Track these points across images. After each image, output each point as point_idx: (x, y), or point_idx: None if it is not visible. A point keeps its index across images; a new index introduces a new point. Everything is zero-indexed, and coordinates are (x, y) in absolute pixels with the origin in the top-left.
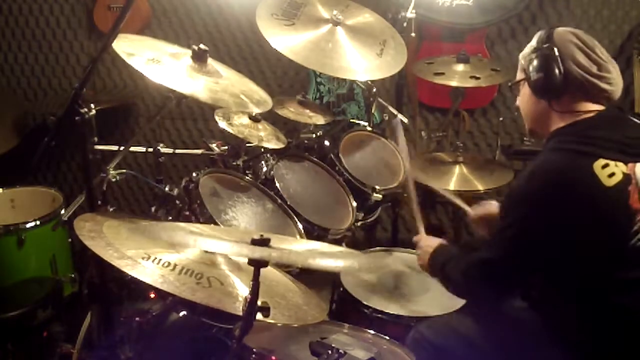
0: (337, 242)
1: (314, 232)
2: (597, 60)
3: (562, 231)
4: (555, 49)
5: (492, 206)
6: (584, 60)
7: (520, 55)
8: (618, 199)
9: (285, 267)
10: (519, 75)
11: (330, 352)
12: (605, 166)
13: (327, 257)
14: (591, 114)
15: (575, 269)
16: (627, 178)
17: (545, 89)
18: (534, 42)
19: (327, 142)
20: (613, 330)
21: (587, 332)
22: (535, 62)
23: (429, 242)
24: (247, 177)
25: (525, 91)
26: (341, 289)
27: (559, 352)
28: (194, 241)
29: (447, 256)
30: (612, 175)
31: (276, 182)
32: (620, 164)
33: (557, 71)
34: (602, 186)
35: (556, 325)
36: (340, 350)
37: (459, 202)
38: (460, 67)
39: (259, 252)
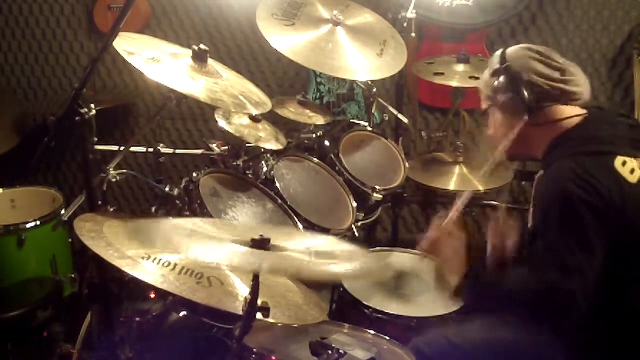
0: None
1: (314, 232)
2: (557, 66)
3: (600, 233)
4: (513, 66)
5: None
6: (544, 69)
7: (481, 84)
8: None
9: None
10: (484, 105)
11: (330, 352)
12: (624, 163)
13: (331, 259)
14: (578, 117)
15: (613, 274)
16: None
17: (517, 107)
18: (491, 66)
19: (327, 142)
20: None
21: (606, 336)
22: (499, 84)
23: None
24: (247, 177)
25: (496, 116)
26: (341, 289)
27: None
28: (187, 250)
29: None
30: (632, 171)
31: (276, 182)
32: (635, 160)
33: (522, 87)
34: (627, 183)
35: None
36: (340, 350)
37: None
38: (460, 67)
39: (256, 261)
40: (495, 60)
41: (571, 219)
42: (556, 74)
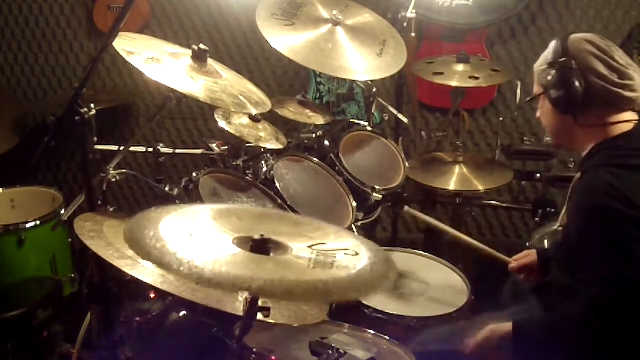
0: None
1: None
2: (618, 68)
3: (630, 248)
4: (573, 62)
5: (533, 255)
6: (605, 70)
7: (535, 67)
8: None
9: None
10: (537, 89)
11: (330, 352)
12: None
13: (334, 267)
14: (628, 125)
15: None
16: None
17: (568, 105)
18: (549, 55)
19: (327, 142)
20: None
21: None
22: (553, 78)
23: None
24: (247, 177)
25: (546, 106)
26: None
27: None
28: (178, 266)
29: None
30: None
31: (276, 182)
32: None
33: (578, 86)
34: None
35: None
36: (340, 350)
37: (497, 254)
38: (460, 67)
39: (246, 282)
40: (554, 49)
41: (614, 234)
42: (615, 77)
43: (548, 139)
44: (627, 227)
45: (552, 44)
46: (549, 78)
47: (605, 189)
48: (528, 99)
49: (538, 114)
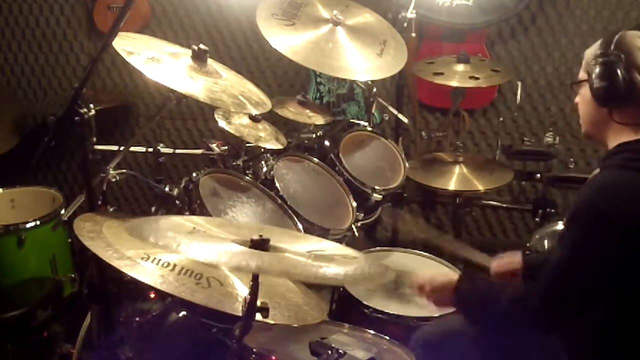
0: (337, 242)
1: (314, 232)
2: None
3: (630, 261)
4: (623, 56)
5: (515, 257)
6: None
7: (586, 53)
8: None
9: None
10: (582, 75)
11: (330, 352)
12: None
13: (331, 263)
14: None
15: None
16: None
17: (607, 98)
18: (602, 44)
19: (327, 142)
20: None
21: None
22: (600, 68)
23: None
24: (247, 177)
25: (585, 94)
26: (341, 289)
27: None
28: (179, 246)
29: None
30: None
31: (276, 182)
32: None
33: (621, 80)
34: None
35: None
36: (340, 350)
37: (478, 258)
38: (460, 67)
39: (245, 259)
40: (608, 40)
41: (588, 234)
42: None
43: (582, 130)
44: (604, 233)
45: (608, 35)
46: (596, 67)
47: (603, 189)
48: (571, 83)
49: (576, 100)
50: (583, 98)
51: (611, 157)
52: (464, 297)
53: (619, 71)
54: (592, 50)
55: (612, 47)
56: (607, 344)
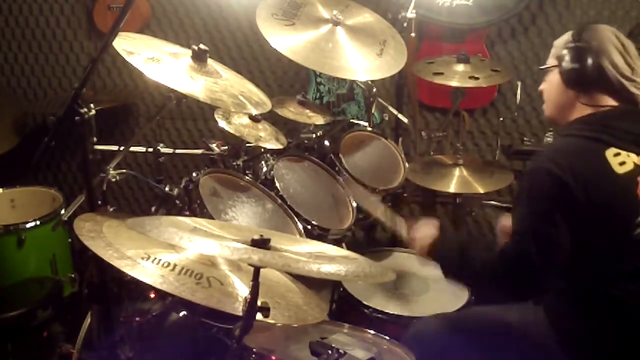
0: (337, 242)
1: (314, 232)
2: (632, 64)
3: (573, 213)
4: (595, 43)
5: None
6: (620, 60)
7: (555, 42)
8: (626, 186)
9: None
10: (551, 62)
11: (330, 352)
12: (617, 154)
13: (333, 262)
14: (609, 108)
15: (580, 258)
16: (638, 169)
17: (577, 81)
18: (573, 34)
19: (327, 142)
20: (611, 323)
21: (585, 324)
22: (572, 53)
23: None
24: (247, 177)
25: (554, 78)
26: (341, 289)
27: (559, 347)
28: (180, 240)
29: (461, 245)
30: (623, 163)
31: (276, 182)
32: (633, 155)
33: (592, 66)
34: (612, 171)
35: (555, 317)
36: (340, 350)
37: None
38: (460, 67)
39: (247, 253)
40: (580, 29)
41: (535, 190)
42: (627, 71)
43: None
44: (549, 186)
45: (579, 26)
46: (567, 52)
47: (551, 153)
48: (541, 67)
49: (542, 87)
50: (550, 83)
51: (566, 129)
52: (440, 256)
53: (589, 56)
54: (563, 39)
55: (583, 36)
56: (575, 299)
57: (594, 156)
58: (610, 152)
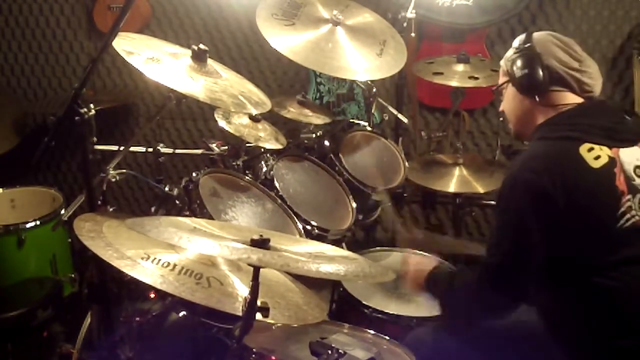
0: (337, 242)
1: (313, 232)
2: (577, 56)
3: (553, 215)
4: (536, 47)
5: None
6: (564, 56)
7: (502, 60)
8: (605, 179)
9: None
10: (502, 79)
11: (330, 352)
12: (590, 149)
13: (332, 262)
14: (573, 105)
15: (565, 254)
16: (612, 161)
17: (531, 85)
18: (514, 45)
19: (327, 142)
20: (599, 315)
21: (572, 317)
22: (518, 62)
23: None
24: (247, 177)
25: (509, 92)
26: (341, 289)
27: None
28: (179, 239)
29: (449, 274)
30: (597, 157)
31: (276, 182)
32: (605, 148)
33: (539, 67)
34: (588, 167)
35: (545, 312)
36: (340, 350)
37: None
38: (460, 67)
39: (246, 252)
40: (520, 39)
41: (512, 203)
42: (574, 64)
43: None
44: (522, 195)
45: (518, 37)
46: (514, 64)
47: (525, 160)
48: (493, 88)
49: (501, 107)
50: (507, 98)
51: (535, 133)
52: (430, 286)
53: (535, 59)
54: (506, 56)
55: (524, 44)
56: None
57: (568, 155)
58: (584, 148)
